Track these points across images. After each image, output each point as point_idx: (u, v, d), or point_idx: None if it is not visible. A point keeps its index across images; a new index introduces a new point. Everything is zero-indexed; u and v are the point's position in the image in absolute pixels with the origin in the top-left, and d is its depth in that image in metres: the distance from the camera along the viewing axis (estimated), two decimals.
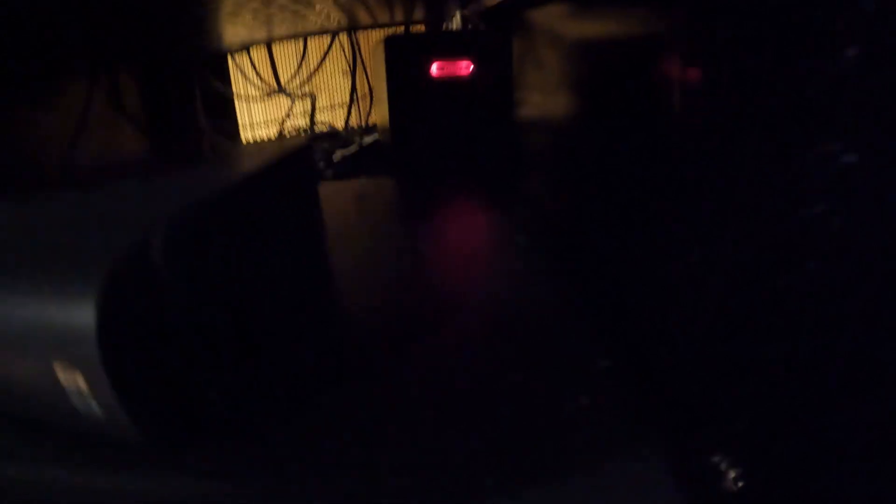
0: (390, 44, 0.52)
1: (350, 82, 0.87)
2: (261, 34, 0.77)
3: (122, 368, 0.18)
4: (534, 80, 0.51)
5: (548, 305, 0.31)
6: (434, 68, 0.53)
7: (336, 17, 0.68)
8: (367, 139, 0.75)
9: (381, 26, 0.81)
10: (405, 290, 0.34)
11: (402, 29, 0.80)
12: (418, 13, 0.75)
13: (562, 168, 0.44)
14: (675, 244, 0.26)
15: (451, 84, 0.53)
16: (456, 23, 0.79)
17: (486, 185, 0.54)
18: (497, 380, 0.25)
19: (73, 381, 0.18)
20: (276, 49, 0.87)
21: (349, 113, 0.85)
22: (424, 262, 0.38)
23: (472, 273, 0.36)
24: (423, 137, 0.54)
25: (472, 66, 0.53)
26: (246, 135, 0.94)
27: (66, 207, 0.26)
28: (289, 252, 0.32)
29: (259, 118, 0.99)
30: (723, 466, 0.21)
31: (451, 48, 0.53)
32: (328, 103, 1.01)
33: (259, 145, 0.51)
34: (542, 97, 0.49)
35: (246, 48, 0.87)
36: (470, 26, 0.75)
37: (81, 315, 0.17)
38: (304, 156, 0.35)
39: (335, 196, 0.42)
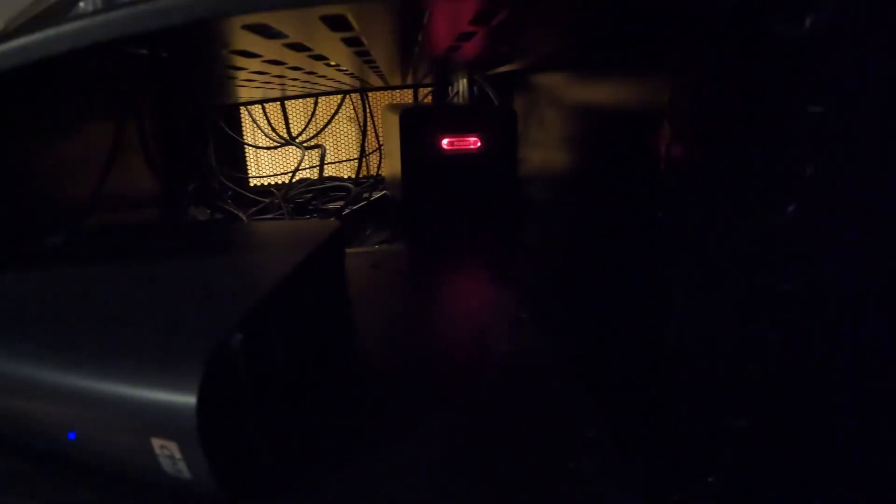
0: (405, 118, 0.57)
1: (357, 136, 0.91)
2: (274, 94, 0.81)
3: (213, 441, 0.22)
4: (537, 137, 0.55)
5: (544, 369, 0.35)
6: (445, 142, 0.57)
7: (348, 83, 0.73)
8: (376, 194, 0.80)
9: (391, 88, 0.85)
10: (413, 358, 0.38)
11: (410, 92, 0.85)
12: (427, 78, 0.80)
13: (563, 224, 0.48)
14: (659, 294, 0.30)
15: (460, 156, 0.58)
16: (463, 86, 0.84)
17: (492, 249, 0.58)
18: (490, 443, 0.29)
19: (167, 451, 0.21)
20: (287, 104, 0.92)
21: (359, 167, 0.89)
22: (431, 328, 0.42)
23: (475, 340, 0.40)
24: (434, 205, 0.59)
25: (479, 142, 0.58)
26: (254, 182, 0.98)
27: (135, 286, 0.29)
28: (323, 325, 0.36)
29: (267, 169, 1.03)
30: None
31: (460, 124, 0.58)
32: (335, 156, 1.05)
33: (292, 225, 0.55)
34: (544, 153, 0.53)
35: (259, 102, 0.91)
36: (476, 89, 0.80)
37: (184, 402, 0.21)
38: (338, 237, 0.39)
39: (350, 263, 0.46)
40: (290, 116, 0.91)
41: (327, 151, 0.93)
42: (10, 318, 0.26)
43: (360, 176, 0.91)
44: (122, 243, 0.40)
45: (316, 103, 0.90)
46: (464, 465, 0.27)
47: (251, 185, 0.95)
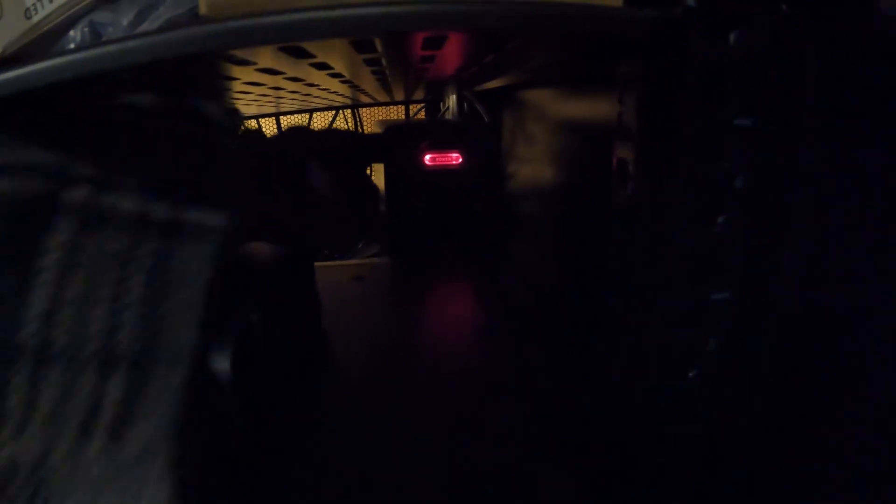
0: (388, 133, 0.59)
1: None
2: (269, 110, 0.84)
3: None
4: (522, 151, 0.56)
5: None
6: (427, 158, 0.59)
7: (340, 100, 0.75)
8: None
9: (382, 104, 0.87)
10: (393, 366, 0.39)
11: (402, 108, 0.87)
12: (417, 93, 0.82)
13: (543, 236, 0.49)
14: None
15: (442, 172, 0.59)
16: (452, 102, 0.86)
17: (475, 265, 0.60)
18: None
19: None
20: (282, 119, 0.94)
21: None
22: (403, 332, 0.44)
23: (448, 345, 0.42)
24: (417, 218, 0.60)
25: (460, 158, 0.59)
26: None
27: None
28: (298, 335, 0.37)
29: None
30: None
31: (442, 141, 0.60)
32: None
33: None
34: (529, 167, 0.54)
35: (255, 118, 0.93)
36: (465, 105, 0.82)
37: None
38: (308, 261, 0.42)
39: (335, 276, 0.48)
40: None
41: None
42: None
43: None
44: None
45: (310, 119, 0.92)
46: (427, 461, 0.29)
47: None
